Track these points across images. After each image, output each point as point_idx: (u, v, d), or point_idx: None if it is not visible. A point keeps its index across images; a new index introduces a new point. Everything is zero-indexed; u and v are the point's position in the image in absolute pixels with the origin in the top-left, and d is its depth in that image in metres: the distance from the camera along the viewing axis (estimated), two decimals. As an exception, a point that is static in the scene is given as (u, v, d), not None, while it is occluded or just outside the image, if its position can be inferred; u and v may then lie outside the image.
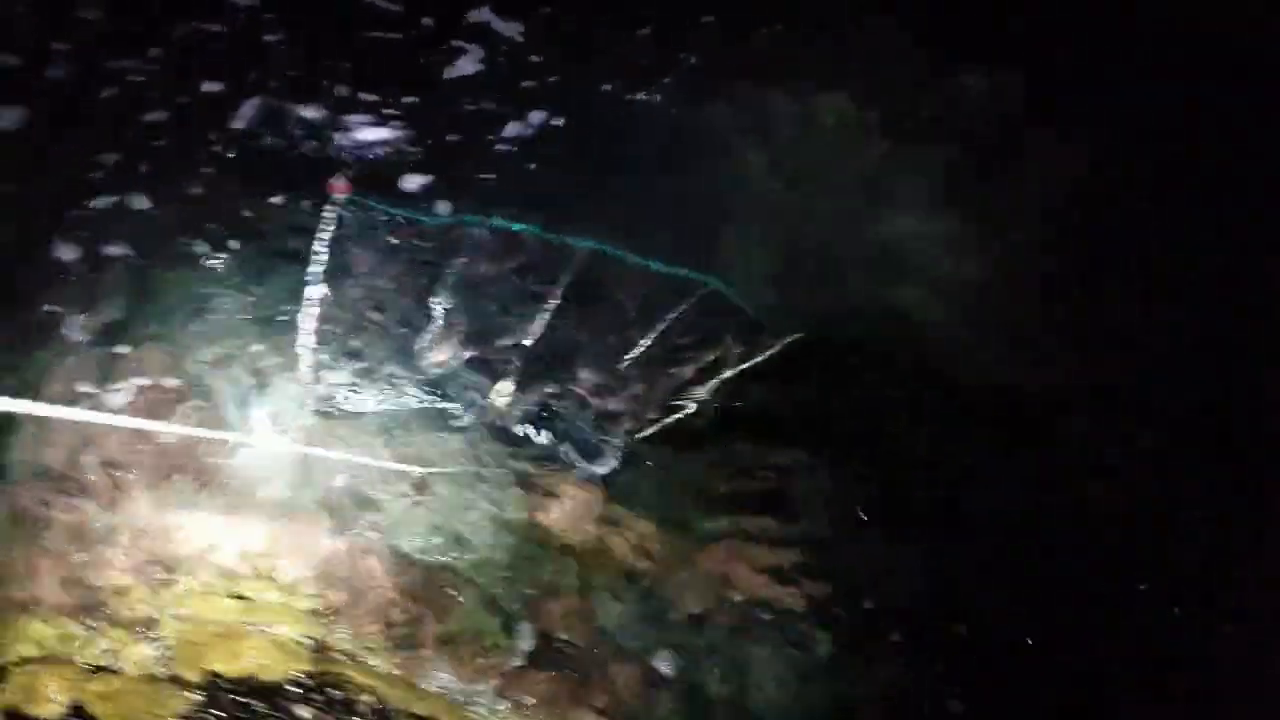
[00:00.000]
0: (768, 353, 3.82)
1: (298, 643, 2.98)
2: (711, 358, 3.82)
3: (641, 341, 3.78)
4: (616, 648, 3.23)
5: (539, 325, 3.79)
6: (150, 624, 2.94)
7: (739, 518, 3.66)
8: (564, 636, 3.23)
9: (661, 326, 3.80)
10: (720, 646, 3.30)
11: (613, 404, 3.72)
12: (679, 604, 3.36)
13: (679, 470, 3.77)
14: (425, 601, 3.25)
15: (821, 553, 3.57)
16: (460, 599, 3.27)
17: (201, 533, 3.27)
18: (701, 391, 3.81)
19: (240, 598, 3.09)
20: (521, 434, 3.69)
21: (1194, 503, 3.82)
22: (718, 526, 3.63)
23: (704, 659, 3.27)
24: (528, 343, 3.78)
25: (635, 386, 3.76)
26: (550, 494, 3.57)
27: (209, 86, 4.69)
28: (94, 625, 2.91)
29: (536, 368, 3.75)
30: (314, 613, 3.11)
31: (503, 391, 3.70)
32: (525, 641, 3.19)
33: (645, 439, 3.76)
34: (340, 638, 3.08)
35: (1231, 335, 4.30)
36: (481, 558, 3.39)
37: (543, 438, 3.67)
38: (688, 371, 3.79)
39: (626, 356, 3.78)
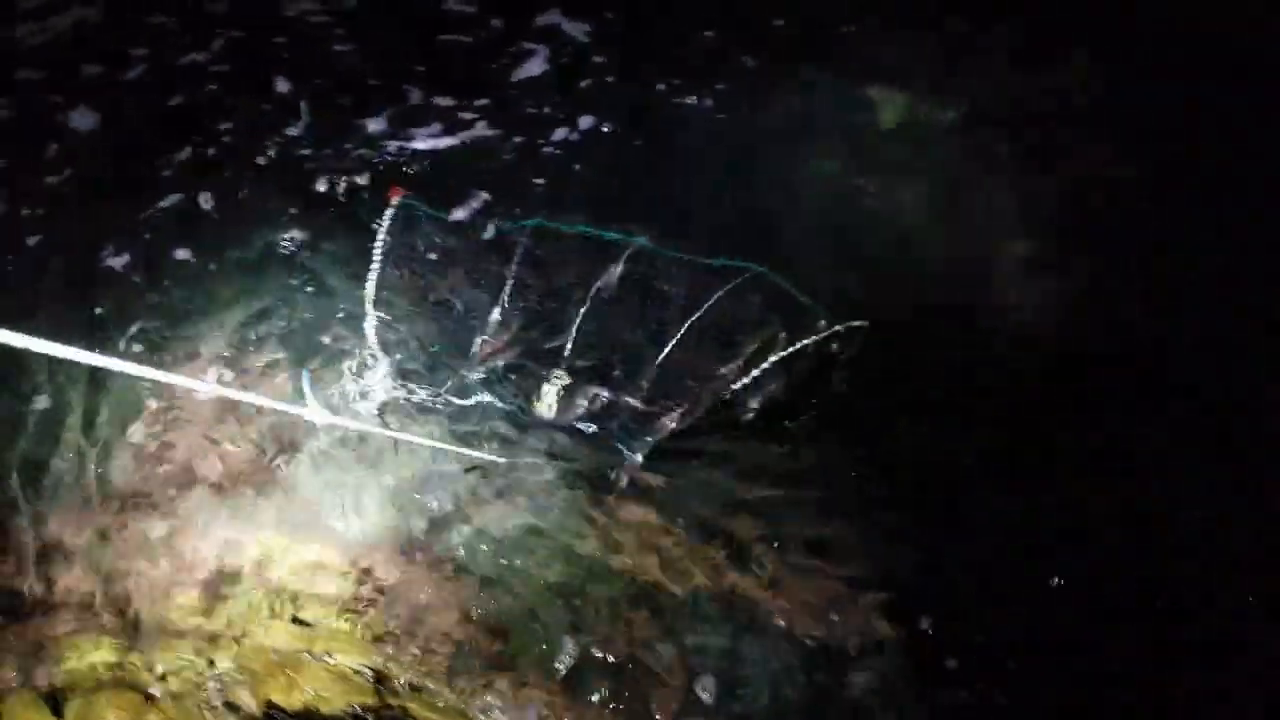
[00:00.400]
0: (818, 337, 3.82)
1: (357, 672, 2.98)
2: (758, 347, 3.84)
3: (687, 334, 3.83)
4: (667, 668, 3.24)
5: (585, 321, 3.88)
6: (208, 649, 3.00)
7: (783, 519, 3.71)
8: (617, 658, 3.23)
9: (706, 318, 3.84)
10: (777, 665, 3.32)
11: (659, 398, 3.76)
12: (732, 621, 3.38)
13: (725, 469, 3.83)
14: (485, 622, 3.25)
15: (872, 561, 3.62)
16: (519, 617, 3.27)
17: (261, 550, 3.33)
18: (749, 382, 3.84)
19: (298, 621, 3.10)
20: (569, 430, 3.78)
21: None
22: (764, 530, 3.66)
23: (762, 681, 3.29)
24: (574, 339, 3.87)
25: (681, 380, 3.79)
26: (604, 498, 3.63)
27: (270, 88, 4.81)
28: (151, 650, 2.99)
29: (582, 364, 3.83)
30: (374, 639, 3.10)
31: (550, 388, 3.79)
32: (584, 666, 3.20)
33: (691, 434, 3.80)
34: (400, 665, 3.07)
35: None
36: (539, 571, 3.42)
37: (590, 434, 3.75)
38: (734, 363, 3.81)
39: (672, 350, 3.82)
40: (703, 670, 3.25)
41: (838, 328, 3.89)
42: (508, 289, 3.95)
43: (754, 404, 3.89)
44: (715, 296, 3.86)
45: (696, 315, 3.84)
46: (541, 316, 3.96)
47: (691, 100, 5.14)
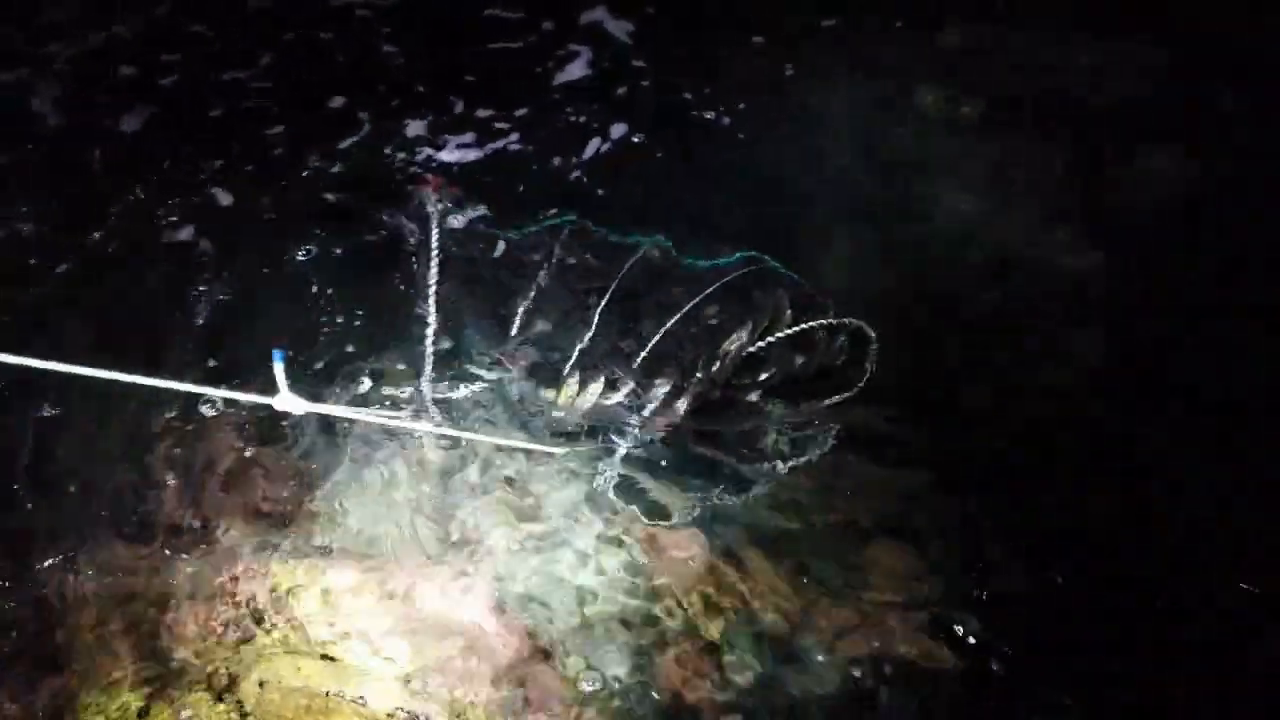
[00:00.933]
0: (822, 321, 3.87)
1: (390, 715, 2.91)
2: (762, 328, 3.90)
3: (693, 321, 3.90)
4: (712, 698, 3.20)
5: (599, 322, 3.94)
6: (235, 692, 2.97)
7: (812, 525, 3.72)
8: (661, 691, 3.17)
9: (712, 304, 3.93)
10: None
11: (669, 385, 3.81)
12: (778, 642, 3.34)
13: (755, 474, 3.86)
14: (526, 655, 3.17)
15: (899, 567, 3.63)
16: (561, 649, 3.21)
17: (288, 583, 3.28)
18: (761, 374, 3.91)
19: (328, 658, 3.03)
20: (585, 433, 3.83)
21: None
22: (797, 536, 3.68)
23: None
24: (593, 334, 3.94)
25: (691, 362, 3.84)
26: (642, 511, 3.62)
27: (314, 95, 5.04)
28: (177, 695, 2.96)
29: (599, 365, 3.88)
30: (409, 676, 3.01)
31: (567, 390, 3.83)
32: (629, 700, 3.13)
33: (700, 431, 3.86)
34: (437, 705, 2.99)
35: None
36: (580, 594, 3.37)
37: (605, 438, 3.80)
38: (739, 343, 3.87)
39: (680, 336, 3.89)
40: (749, 704, 3.22)
41: (846, 321, 3.94)
42: (536, 286, 4.04)
43: (773, 404, 3.94)
44: (719, 284, 3.95)
45: (701, 300, 3.91)
46: (566, 314, 4.04)
47: (722, 106, 5.18)
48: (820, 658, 3.37)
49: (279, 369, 2.24)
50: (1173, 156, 4.85)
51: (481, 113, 5.07)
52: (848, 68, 5.32)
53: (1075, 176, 4.93)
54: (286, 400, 2.21)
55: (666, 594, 3.45)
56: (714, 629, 3.36)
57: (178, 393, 3.76)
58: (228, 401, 3.80)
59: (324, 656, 3.08)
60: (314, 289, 4.37)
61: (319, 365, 4.08)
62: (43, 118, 4.90)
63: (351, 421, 3.78)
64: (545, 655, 3.24)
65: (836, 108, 5.18)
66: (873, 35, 5.46)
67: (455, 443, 3.77)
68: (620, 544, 3.57)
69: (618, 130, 5.04)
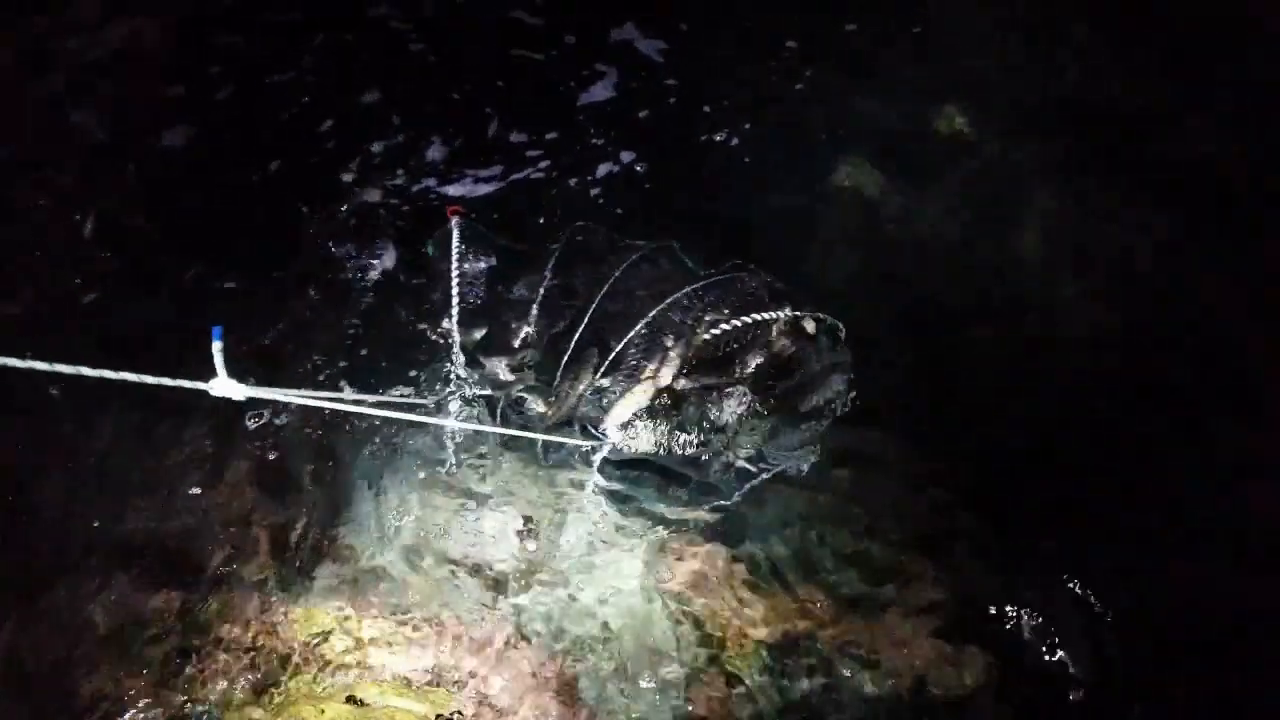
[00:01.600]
0: (794, 315, 3.84)
1: None
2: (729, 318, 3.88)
3: (674, 323, 3.88)
4: None
5: (593, 320, 3.93)
6: None
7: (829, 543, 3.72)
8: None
9: (697, 306, 3.92)
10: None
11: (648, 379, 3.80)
12: (807, 666, 3.31)
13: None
14: (556, 692, 3.11)
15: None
16: (590, 684, 3.15)
17: (311, 625, 3.20)
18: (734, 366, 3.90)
19: (353, 700, 2.95)
20: (574, 427, 3.83)
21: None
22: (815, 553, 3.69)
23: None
24: (584, 337, 3.93)
25: (669, 363, 3.84)
26: (673, 541, 3.60)
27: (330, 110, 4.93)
28: None
29: (590, 357, 3.87)
30: (439, 718, 2.95)
31: (563, 385, 3.82)
32: None
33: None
34: None
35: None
36: (609, 626, 3.33)
37: (590, 433, 3.79)
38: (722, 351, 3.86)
39: (661, 339, 3.88)
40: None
41: (820, 315, 3.90)
42: (540, 294, 4.07)
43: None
44: (701, 284, 3.91)
45: (681, 297, 3.86)
46: (566, 318, 4.06)
47: (728, 127, 5.16)
48: (847, 674, 3.36)
49: (217, 350, 1.97)
50: (1174, 159, 4.86)
51: (514, 136, 5.05)
52: (859, 82, 5.31)
53: (1078, 178, 4.94)
54: (224, 386, 1.97)
55: (689, 619, 3.43)
56: (736, 653, 3.33)
57: (201, 419, 3.73)
58: (254, 430, 3.73)
59: (349, 699, 3.02)
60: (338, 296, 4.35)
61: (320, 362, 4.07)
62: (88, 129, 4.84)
63: (380, 451, 3.76)
64: (577, 694, 3.17)
65: (843, 123, 5.18)
66: (881, 50, 5.44)
67: (476, 473, 3.74)
68: (640, 568, 3.53)
69: (628, 150, 5.01)
